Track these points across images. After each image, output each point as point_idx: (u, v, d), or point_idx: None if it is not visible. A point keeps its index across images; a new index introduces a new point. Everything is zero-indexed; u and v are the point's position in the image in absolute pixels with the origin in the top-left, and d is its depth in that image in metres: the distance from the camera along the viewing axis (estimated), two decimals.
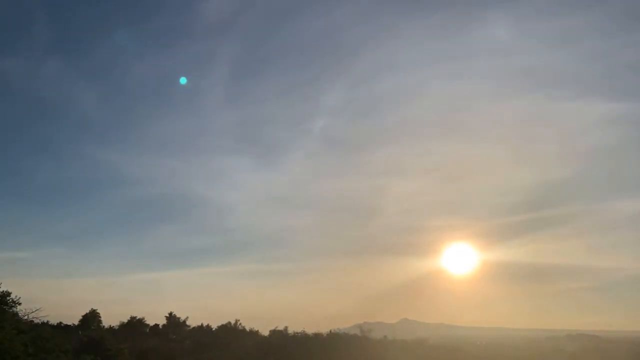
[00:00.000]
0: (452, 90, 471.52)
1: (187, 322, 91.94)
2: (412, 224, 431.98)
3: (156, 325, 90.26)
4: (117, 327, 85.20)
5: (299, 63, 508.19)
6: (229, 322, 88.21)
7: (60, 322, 79.01)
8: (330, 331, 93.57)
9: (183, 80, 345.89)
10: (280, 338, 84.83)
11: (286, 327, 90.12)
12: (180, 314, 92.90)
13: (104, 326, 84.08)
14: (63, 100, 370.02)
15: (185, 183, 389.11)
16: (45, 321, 54.91)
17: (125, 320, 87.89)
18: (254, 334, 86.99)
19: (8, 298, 36.92)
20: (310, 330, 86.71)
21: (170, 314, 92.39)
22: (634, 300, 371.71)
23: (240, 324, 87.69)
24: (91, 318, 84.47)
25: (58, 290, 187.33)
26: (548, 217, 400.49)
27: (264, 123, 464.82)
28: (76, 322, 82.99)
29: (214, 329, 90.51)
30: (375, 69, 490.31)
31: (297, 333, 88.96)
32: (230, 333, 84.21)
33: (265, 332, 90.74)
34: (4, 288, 37.12)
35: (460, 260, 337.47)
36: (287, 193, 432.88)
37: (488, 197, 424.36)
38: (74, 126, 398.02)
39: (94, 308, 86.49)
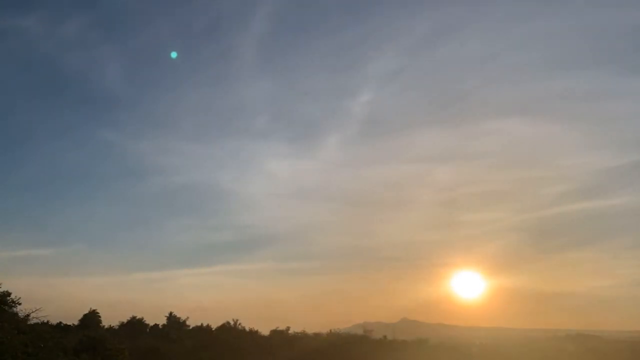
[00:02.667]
0: (522, 59, 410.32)
1: (187, 322, 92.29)
2: (447, 219, 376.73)
3: (156, 325, 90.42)
4: (117, 327, 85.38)
5: (344, 22, 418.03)
6: (229, 322, 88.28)
7: (60, 322, 79.10)
8: (330, 331, 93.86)
9: (174, 55, 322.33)
10: (280, 338, 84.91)
11: (287, 327, 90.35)
12: (182, 314, 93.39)
13: (104, 326, 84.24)
14: (84, 69, 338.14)
15: (208, 173, 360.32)
16: (45, 321, 54.92)
17: (125, 320, 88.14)
18: (253, 333, 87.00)
19: (8, 298, 36.91)
20: (317, 330, 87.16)
21: (170, 313, 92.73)
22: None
23: (239, 324, 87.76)
24: (91, 318, 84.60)
25: (74, 288, 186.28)
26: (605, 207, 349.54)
27: (300, 99, 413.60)
28: (76, 322, 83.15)
29: (213, 329, 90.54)
30: (435, 32, 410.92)
31: (297, 333, 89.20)
32: (230, 333, 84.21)
33: (265, 332, 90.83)
34: (6, 287, 37.13)
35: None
36: (315, 184, 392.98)
37: (540, 186, 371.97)
38: (91, 103, 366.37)
39: (94, 308, 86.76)
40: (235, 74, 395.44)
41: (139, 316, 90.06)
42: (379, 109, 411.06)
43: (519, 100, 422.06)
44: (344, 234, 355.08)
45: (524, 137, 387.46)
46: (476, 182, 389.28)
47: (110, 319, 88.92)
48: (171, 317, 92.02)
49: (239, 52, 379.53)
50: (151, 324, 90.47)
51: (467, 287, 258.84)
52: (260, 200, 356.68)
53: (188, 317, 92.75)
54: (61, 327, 74.86)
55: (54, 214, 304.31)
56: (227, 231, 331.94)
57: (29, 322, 39.06)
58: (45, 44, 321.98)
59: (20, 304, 37.44)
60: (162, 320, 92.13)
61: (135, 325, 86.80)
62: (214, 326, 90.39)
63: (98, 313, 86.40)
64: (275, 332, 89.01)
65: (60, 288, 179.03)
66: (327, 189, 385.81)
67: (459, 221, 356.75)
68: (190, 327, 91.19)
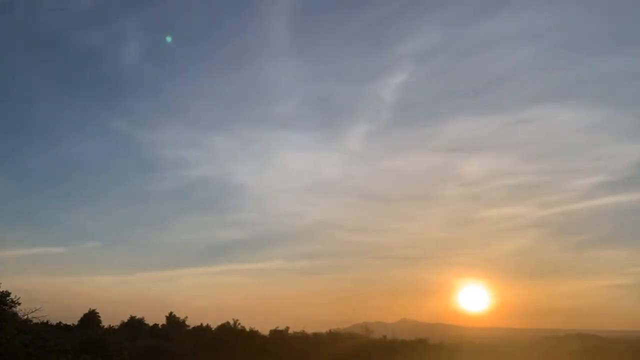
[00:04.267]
0: (571, 37, 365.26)
1: (187, 322, 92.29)
2: (468, 216, 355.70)
3: (156, 325, 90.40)
4: (116, 327, 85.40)
5: None
6: (228, 322, 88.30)
7: (60, 322, 79.11)
8: (330, 330, 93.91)
9: (169, 39, 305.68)
10: (280, 338, 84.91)
11: (287, 327, 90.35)
12: (184, 314, 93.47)
13: (103, 326, 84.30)
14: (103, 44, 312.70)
15: (222, 166, 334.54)
16: (45, 321, 54.91)
17: (125, 320, 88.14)
18: (253, 333, 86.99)
19: (8, 298, 36.85)
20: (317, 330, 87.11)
21: (170, 313, 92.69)
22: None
23: (239, 324, 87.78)
24: (91, 318, 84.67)
25: (81, 287, 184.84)
26: None
27: (326, 82, 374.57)
28: (76, 322, 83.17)
29: (213, 329, 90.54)
30: (479, 4, 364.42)
31: (297, 333, 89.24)
32: (230, 333, 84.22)
33: (265, 332, 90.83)
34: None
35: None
36: (334, 178, 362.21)
37: (572, 178, 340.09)
38: (103, 88, 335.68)
39: (94, 308, 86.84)
40: (256, 53, 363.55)
41: (138, 316, 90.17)
42: (409, 93, 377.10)
43: (564, 83, 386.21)
44: (358, 231, 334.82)
45: (566, 125, 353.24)
46: (505, 174, 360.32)
47: (111, 319, 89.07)
48: (171, 317, 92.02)
49: (261, 29, 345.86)
50: (151, 324, 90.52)
51: (477, 290, 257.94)
52: (274, 196, 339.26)
53: (187, 317, 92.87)
54: (61, 327, 74.88)
55: (62, 211, 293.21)
56: (237, 229, 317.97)
57: (29, 322, 39.04)
58: (55, 19, 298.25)
59: (20, 303, 37.38)
60: (162, 320, 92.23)
61: (135, 325, 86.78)
62: (213, 326, 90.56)
63: (98, 313, 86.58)
64: (274, 332, 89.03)
65: (67, 287, 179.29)
66: (346, 182, 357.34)
67: (480, 218, 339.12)
68: (190, 327, 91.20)
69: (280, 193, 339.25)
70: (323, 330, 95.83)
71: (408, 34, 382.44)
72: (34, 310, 38.50)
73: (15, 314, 37.48)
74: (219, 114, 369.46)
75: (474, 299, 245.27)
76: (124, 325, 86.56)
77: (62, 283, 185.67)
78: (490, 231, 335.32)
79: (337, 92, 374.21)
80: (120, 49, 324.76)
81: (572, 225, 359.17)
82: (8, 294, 37.06)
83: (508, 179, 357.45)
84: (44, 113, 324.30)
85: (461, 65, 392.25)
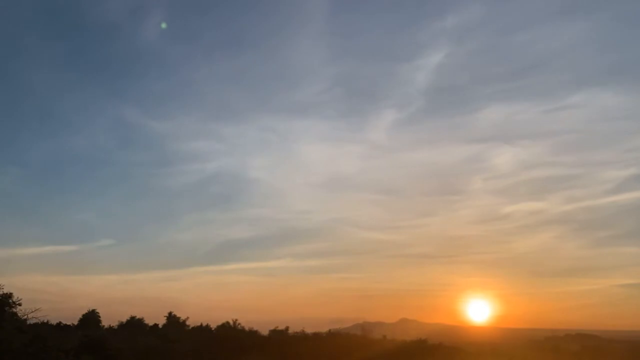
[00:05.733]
0: (624, 14, 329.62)
1: (187, 322, 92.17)
2: (493, 211, 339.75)
3: (156, 325, 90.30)
4: (116, 327, 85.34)
5: None
6: (228, 322, 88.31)
7: (60, 322, 79.09)
8: (330, 330, 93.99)
9: (163, 26, 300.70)
10: (280, 338, 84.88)
11: (287, 327, 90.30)
12: (186, 314, 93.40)
13: (103, 326, 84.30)
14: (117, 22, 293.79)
15: (236, 159, 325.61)
16: (45, 321, 54.97)
17: (125, 320, 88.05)
18: (253, 333, 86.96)
19: (10, 300, 36.98)
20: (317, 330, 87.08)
21: (170, 313, 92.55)
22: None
23: (239, 323, 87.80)
24: (91, 318, 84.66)
25: (88, 285, 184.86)
26: None
27: (354, 65, 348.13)
28: (76, 322, 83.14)
29: (213, 329, 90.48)
30: None
31: (296, 333, 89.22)
32: (230, 333, 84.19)
33: (265, 332, 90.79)
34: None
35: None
36: (355, 171, 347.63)
37: (604, 170, 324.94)
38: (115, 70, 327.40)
39: (93, 308, 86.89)
40: (287, 31, 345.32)
41: (138, 316, 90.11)
42: (444, 77, 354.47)
43: (615, 65, 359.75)
44: (373, 229, 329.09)
45: (612, 110, 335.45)
46: (536, 166, 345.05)
47: (110, 319, 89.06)
48: (171, 317, 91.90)
49: (296, 3, 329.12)
50: (151, 324, 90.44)
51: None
52: (288, 191, 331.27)
53: (188, 317, 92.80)
54: (61, 327, 74.86)
55: (73, 209, 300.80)
56: (248, 226, 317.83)
57: (28, 322, 39.12)
58: None
59: (20, 304, 37.49)
60: (162, 320, 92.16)
61: (134, 325, 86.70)
62: (213, 326, 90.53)
63: (98, 313, 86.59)
64: (274, 332, 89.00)
65: (72, 286, 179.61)
66: (366, 176, 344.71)
67: (503, 214, 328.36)
68: (190, 327, 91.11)
69: (295, 188, 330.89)
70: (323, 330, 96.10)
71: (449, 6, 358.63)
72: (33, 310, 38.62)
73: (16, 314, 37.58)
74: (237, 100, 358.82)
75: (481, 300, 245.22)
76: (123, 325, 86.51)
77: (68, 282, 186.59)
78: (511, 228, 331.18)
79: (367, 74, 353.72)
80: (139, 24, 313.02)
81: (595, 221, 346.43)
82: (10, 295, 37.19)
83: (537, 171, 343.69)
84: (58, 105, 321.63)
85: (502, 44, 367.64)
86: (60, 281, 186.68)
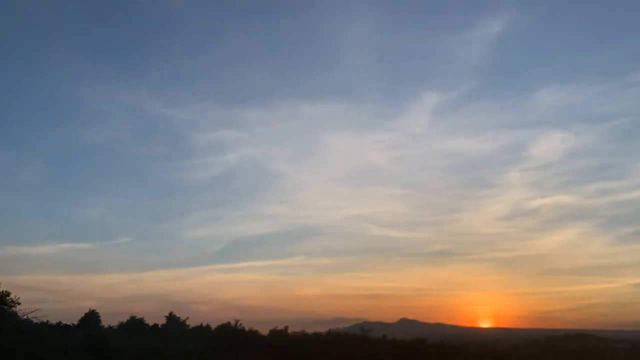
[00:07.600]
0: None
1: (187, 322, 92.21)
2: (524, 206, 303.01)
3: (156, 325, 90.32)
4: (116, 327, 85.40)
5: None
6: (228, 322, 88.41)
7: (60, 322, 79.08)
8: (330, 330, 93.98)
9: None
10: (279, 338, 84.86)
11: (286, 327, 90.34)
12: (182, 314, 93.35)
13: (103, 326, 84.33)
14: None
15: (261, 151, 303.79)
16: (45, 321, 54.87)
17: (125, 320, 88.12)
18: (253, 333, 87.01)
19: (7, 298, 36.84)
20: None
21: (170, 313, 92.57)
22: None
23: (240, 324, 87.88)
24: (91, 318, 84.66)
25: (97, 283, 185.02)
26: None
27: (405, 30, 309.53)
28: (76, 322, 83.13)
29: (213, 329, 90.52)
30: None
31: (296, 333, 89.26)
32: (230, 333, 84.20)
33: (264, 332, 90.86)
34: (5, 287, 37.08)
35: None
36: (385, 162, 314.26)
37: None
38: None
39: (93, 308, 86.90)
40: (308, 6, 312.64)
41: (138, 316, 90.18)
42: (500, 49, 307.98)
43: None
44: (392, 226, 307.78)
45: None
46: (577, 155, 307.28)
47: (110, 319, 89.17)
48: (171, 317, 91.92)
49: None
50: (151, 324, 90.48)
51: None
52: (309, 186, 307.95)
53: (188, 317, 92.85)
54: (61, 327, 74.80)
55: (89, 206, 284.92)
56: (263, 223, 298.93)
57: (28, 322, 39.02)
58: None
59: (19, 303, 37.38)
60: (162, 320, 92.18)
61: (134, 325, 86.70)
62: (213, 326, 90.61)
63: (98, 313, 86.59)
64: (274, 332, 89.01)
65: (78, 283, 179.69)
66: (393, 169, 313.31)
67: (531, 208, 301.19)
68: (190, 327, 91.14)
69: (317, 183, 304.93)
70: (323, 330, 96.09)
71: None
72: (33, 310, 38.55)
73: (15, 313, 37.48)
74: (262, 81, 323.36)
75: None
76: (123, 325, 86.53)
77: (75, 281, 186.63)
78: (535, 224, 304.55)
79: (412, 48, 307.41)
80: None
81: (621, 217, 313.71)
82: (8, 293, 37.06)
83: (576, 161, 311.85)
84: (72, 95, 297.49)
85: (572, 12, 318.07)
86: (68, 280, 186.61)
